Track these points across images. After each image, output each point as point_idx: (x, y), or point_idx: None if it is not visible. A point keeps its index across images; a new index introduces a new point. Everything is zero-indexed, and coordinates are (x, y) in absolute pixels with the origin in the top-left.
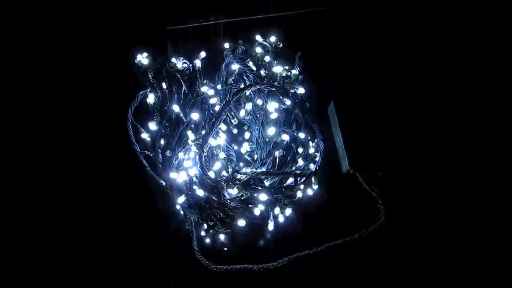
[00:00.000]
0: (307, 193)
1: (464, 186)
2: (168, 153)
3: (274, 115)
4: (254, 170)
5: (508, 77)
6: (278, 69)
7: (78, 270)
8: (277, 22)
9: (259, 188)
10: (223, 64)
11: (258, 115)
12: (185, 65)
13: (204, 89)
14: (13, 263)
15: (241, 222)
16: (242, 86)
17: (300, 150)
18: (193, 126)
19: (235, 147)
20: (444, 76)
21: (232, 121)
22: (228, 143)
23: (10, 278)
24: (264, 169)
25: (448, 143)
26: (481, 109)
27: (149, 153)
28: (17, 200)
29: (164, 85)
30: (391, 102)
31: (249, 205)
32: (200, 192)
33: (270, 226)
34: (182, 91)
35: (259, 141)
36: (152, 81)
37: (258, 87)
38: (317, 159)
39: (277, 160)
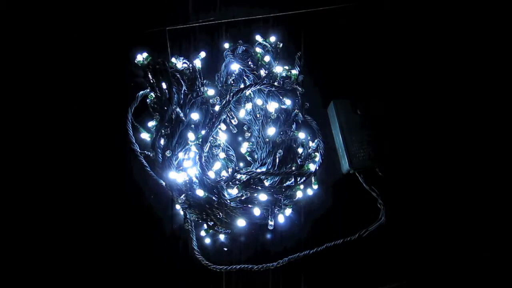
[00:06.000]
0: (307, 193)
1: (464, 186)
2: (168, 153)
3: (274, 115)
4: (254, 170)
5: (508, 77)
6: (278, 69)
7: (78, 270)
8: (277, 22)
9: (259, 188)
10: (223, 64)
11: (258, 115)
12: (185, 65)
13: (204, 89)
14: (12, 263)
15: (241, 222)
16: (242, 86)
17: (300, 150)
18: (193, 126)
19: (235, 147)
20: (444, 77)
21: (232, 121)
22: (228, 143)
23: (10, 278)
24: (264, 169)
25: (448, 143)
26: (481, 109)
27: (149, 153)
28: (16, 199)
29: (164, 85)
30: (391, 101)
31: (249, 205)
32: (200, 192)
33: (270, 226)
34: (182, 91)
35: (259, 141)
36: (152, 81)
37: (258, 87)
38: (317, 159)
39: (277, 160)
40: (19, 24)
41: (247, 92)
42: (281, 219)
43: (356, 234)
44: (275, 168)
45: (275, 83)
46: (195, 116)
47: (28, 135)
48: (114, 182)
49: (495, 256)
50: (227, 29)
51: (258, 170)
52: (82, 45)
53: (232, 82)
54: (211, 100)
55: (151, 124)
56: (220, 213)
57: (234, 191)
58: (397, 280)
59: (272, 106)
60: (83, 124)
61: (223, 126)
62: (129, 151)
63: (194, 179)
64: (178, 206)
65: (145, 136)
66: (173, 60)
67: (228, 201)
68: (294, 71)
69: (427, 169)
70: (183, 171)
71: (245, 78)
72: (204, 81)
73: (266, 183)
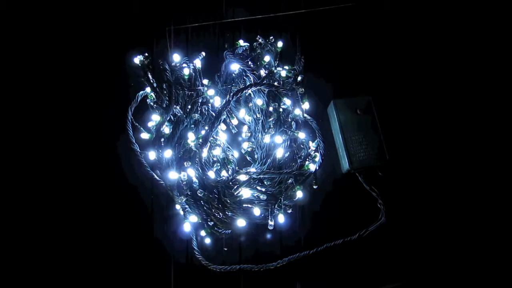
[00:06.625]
0: (306, 194)
1: (464, 186)
2: (168, 153)
3: (274, 115)
4: (254, 170)
5: (508, 77)
6: (278, 69)
7: (78, 270)
8: (277, 22)
9: (259, 188)
10: (223, 64)
11: (258, 115)
12: (185, 65)
13: (204, 89)
14: (12, 263)
15: (241, 222)
16: (242, 86)
17: (300, 150)
18: (193, 126)
19: (235, 147)
20: (445, 77)
21: (232, 121)
22: (228, 143)
23: (10, 278)
24: (264, 169)
25: (448, 143)
26: (481, 109)
27: (149, 153)
28: (16, 199)
29: (164, 85)
30: (391, 101)
31: (249, 205)
32: (200, 192)
33: (270, 226)
34: (182, 91)
35: (259, 141)
36: (152, 81)
37: (258, 87)
38: (317, 159)
39: (277, 160)
40: (19, 24)
41: (247, 92)
42: (281, 219)
43: (356, 234)
44: (275, 168)
45: (275, 83)
46: (195, 116)
47: (27, 136)
48: (113, 182)
49: (495, 256)
50: (227, 29)
51: (258, 170)
52: (82, 45)
53: (232, 82)
54: (211, 100)
55: (151, 124)
56: (220, 213)
57: (234, 192)
58: (397, 280)
59: (272, 106)
60: (83, 124)
61: (223, 126)
62: (129, 151)
63: (194, 180)
64: (178, 206)
65: (145, 136)
66: (174, 60)
67: (228, 201)
68: (294, 71)
69: (427, 169)
70: (183, 171)
71: (245, 78)
72: (204, 81)
73: (266, 183)
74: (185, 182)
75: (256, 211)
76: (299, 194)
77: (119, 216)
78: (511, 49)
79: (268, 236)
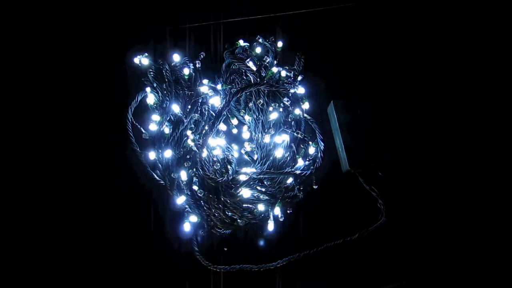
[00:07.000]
0: (305, 194)
1: (464, 186)
2: (168, 153)
3: (274, 115)
4: (254, 170)
5: (508, 78)
6: (278, 69)
7: (78, 270)
8: (277, 22)
9: (259, 188)
10: (223, 64)
11: (258, 115)
12: (185, 65)
13: (204, 89)
14: (12, 263)
15: (241, 222)
16: (242, 86)
17: (300, 150)
18: (193, 126)
19: (235, 147)
20: (445, 76)
21: (232, 121)
22: (228, 143)
23: (10, 278)
24: (264, 169)
25: (448, 143)
26: (481, 109)
27: (149, 153)
28: (16, 200)
29: (164, 85)
30: (391, 101)
31: (249, 205)
32: (200, 192)
33: (270, 226)
34: (182, 91)
35: (259, 141)
36: (152, 81)
37: (258, 87)
38: (317, 159)
39: (277, 160)
40: (19, 24)
41: (247, 92)
42: (281, 219)
43: (356, 234)
44: (275, 168)
45: (275, 83)
46: (195, 116)
47: (27, 136)
48: (113, 182)
49: (495, 256)
50: (227, 29)
51: (258, 170)
52: (82, 45)
53: (232, 82)
54: (211, 100)
55: (151, 125)
56: (220, 213)
57: (234, 192)
58: (397, 280)
59: (272, 106)
60: (83, 124)
61: (223, 126)
62: (129, 151)
63: (194, 179)
64: (178, 206)
65: (145, 136)
66: (174, 60)
67: (228, 201)
68: (294, 71)
69: (427, 169)
70: (183, 171)
71: (245, 78)
72: (204, 81)
73: (266, 183)
74: (185, 182)
75: (257, 211)
76: (299, 194)
77: (119, 216)
78: (511, 49)
79: (268, 236)
